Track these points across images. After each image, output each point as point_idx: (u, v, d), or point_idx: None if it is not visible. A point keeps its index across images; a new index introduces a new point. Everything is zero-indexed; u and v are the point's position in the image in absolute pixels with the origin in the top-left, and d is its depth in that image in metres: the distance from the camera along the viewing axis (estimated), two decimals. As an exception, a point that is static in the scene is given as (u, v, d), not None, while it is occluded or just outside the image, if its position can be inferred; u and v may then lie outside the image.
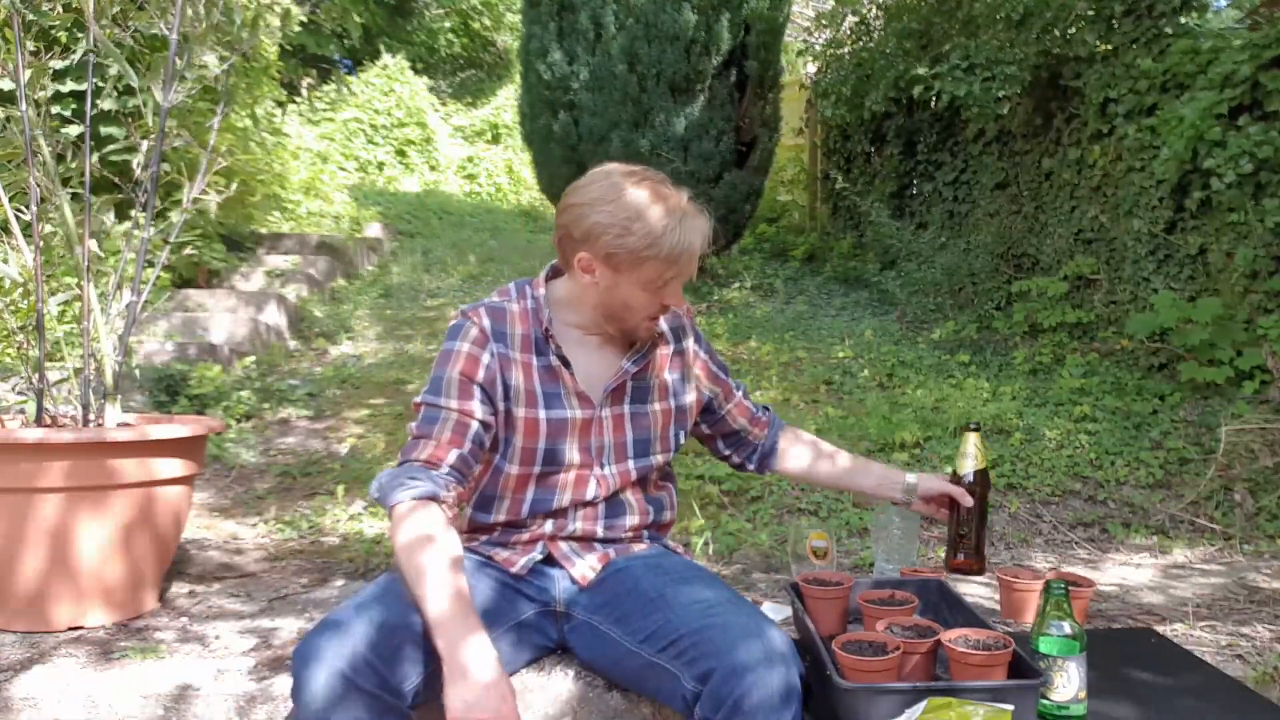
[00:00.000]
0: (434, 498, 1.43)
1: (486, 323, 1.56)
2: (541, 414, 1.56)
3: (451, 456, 1.49)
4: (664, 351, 1.68)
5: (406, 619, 1.35)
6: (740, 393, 1.83)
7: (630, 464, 1.63)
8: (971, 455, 1.83)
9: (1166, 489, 3.28)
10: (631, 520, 1.65)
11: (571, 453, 1.59)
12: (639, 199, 1.47)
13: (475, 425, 1.52)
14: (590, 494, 1.60)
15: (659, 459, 1.67)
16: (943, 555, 2.69)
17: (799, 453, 1.88)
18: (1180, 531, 2.99)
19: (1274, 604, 2.18)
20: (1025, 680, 1.34)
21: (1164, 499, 3.20)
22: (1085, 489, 3.28)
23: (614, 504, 1.64)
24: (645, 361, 1.65)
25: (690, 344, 1.74)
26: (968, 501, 1.79)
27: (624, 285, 1.52)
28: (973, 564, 1.82)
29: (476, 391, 1.52)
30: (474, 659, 1.27)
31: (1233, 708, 1.48)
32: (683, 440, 1.73)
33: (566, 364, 1.58)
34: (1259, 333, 3.81)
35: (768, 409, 1.90)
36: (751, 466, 1.88)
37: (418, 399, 1.56)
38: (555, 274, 1.66)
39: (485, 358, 1.54)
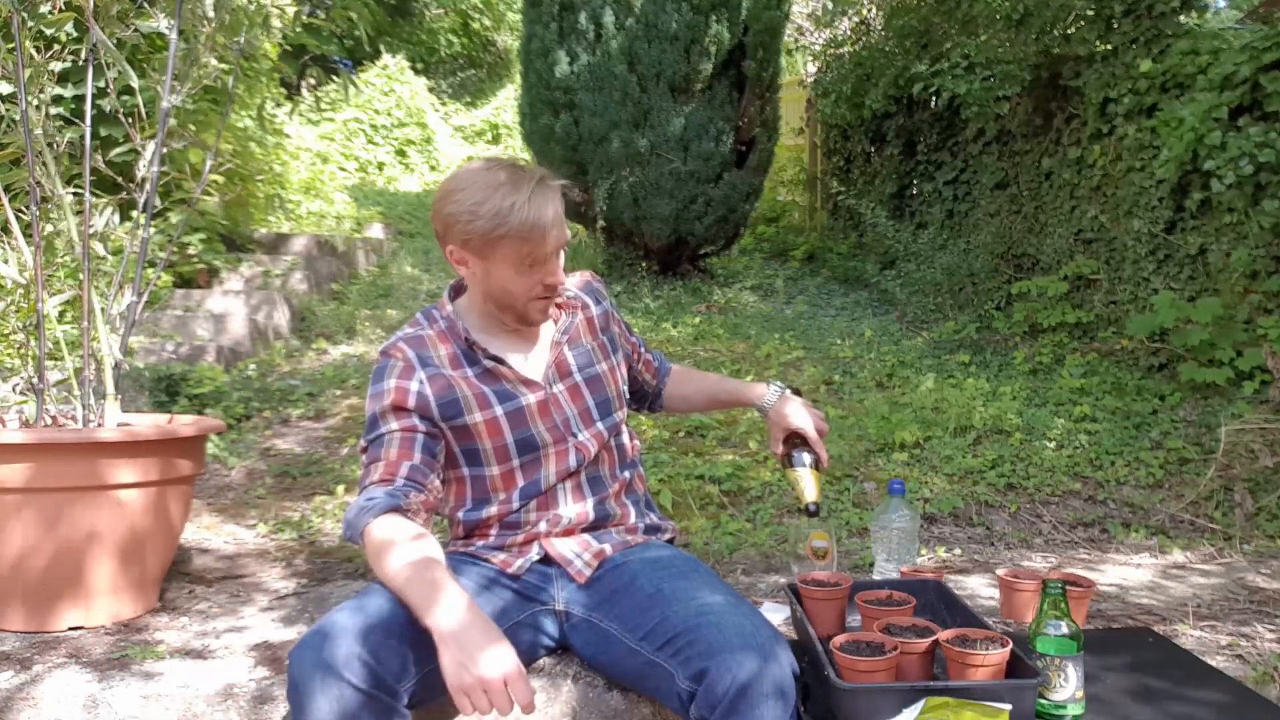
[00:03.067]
0: (395, 509, 1.45)
1: (410, 353, 1.59)
2: (498, 410, 1.59)
3: (404, 469, 1.51)
4: (589, 314, 1.74)
5: (401, 619, 1.35)
6: (643, 348, 1.92)
7: (599, 425, 1.67)
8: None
9: (1166, 489, 3.28)
10: (614, 489, 1.68)
11: (541, 434, 1.62)
12: (486, 183, 1.51)
13: (421, 437, 1.54)
14: (573, 463, 1.63)
15: (619, 415, 1.73)
16: (943, 554, 2.68)
17: (678, 392, 1.97)
18: (1180, 531, 2.99)
19: (1274, 604, 2.18)
20: (1023, 680, 1.34)
21: (1164, 499, 3.20)
22: (1085, 489, 3.28)
23: (596, 480, 1.67)
24: (573, 327, 1.70)
25: (607, 304, 1.80)
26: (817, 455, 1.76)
27: (494, 269, 1.55)
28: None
29: (413, 415, 1.55)
30: (464, 623, 1.27)
31: (1232, 708, 1.48)
32: (626, 394, 1.80)
33: (500, 361, 1.61)
34: (1259, 333, 3.81)
35: (656, 353, 1.99)
36: (644, 411, 2.00)
37: (360, 442, 1.59)
38: (458, 292, 1.71)
39: (414, 386, 1.56)
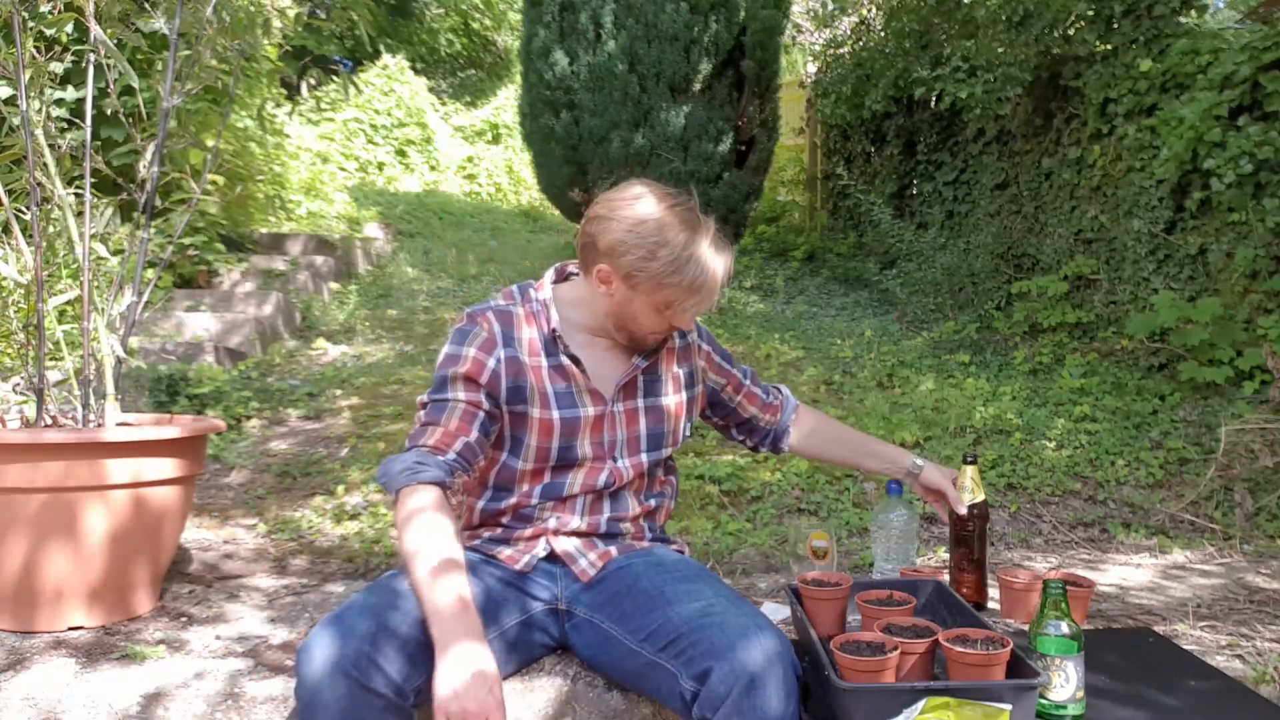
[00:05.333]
0: (438, 483, 1.44)
1: (497, 328, 1.58)
2: (555, 414, 1.58)
3: (458, 444, 1.50)
4: (671, 345, 1.71)
5: (409, 617, 1.35)
6: (749, 381, 1.87)
7: (643, 456, 1.66)
8: (969, 489, 1.86)
9: (1166, 489, 3.28)
10: (633, 513, 1.67)
11: (585, 448, 1.61)
12: (669, 225, 1.49)
13: (482, 415, 1.53)
14: (601, 482, 1.62)
15: (668, 451, 1.70)
16: (943, 554, 2.68)
17: (809, 436, 1.93)
18: (1180, 531, 2.99)
19: (1274, 604, 2.18)
20: (1023, 680, 1.34)
21: (1164, 499, 3.20)
22: (1085, 489, 3.28)
23: (618, 499, 1.66)
24: (655, 355, 1.67)
25: (694, 337, 1.76)
26: (961, 509, 1.83)
27: (637, 303, 1.54)
28: (973, 599, 1.87)
29: (481, 390, 1.54)
30: (464, 648, 1.27)
31: (1232, 708, 1.48)
32: (689, 433, 1.76)
33: (577, 362, 1.59)
34: (1259, 333, 3.81)
35: (780, 389, 1.93)
36: (765, 449, 1.94)
37: (422, 397, 1.58)
38: (560, 277, 1.68)
39: (491, 362, 1.55)
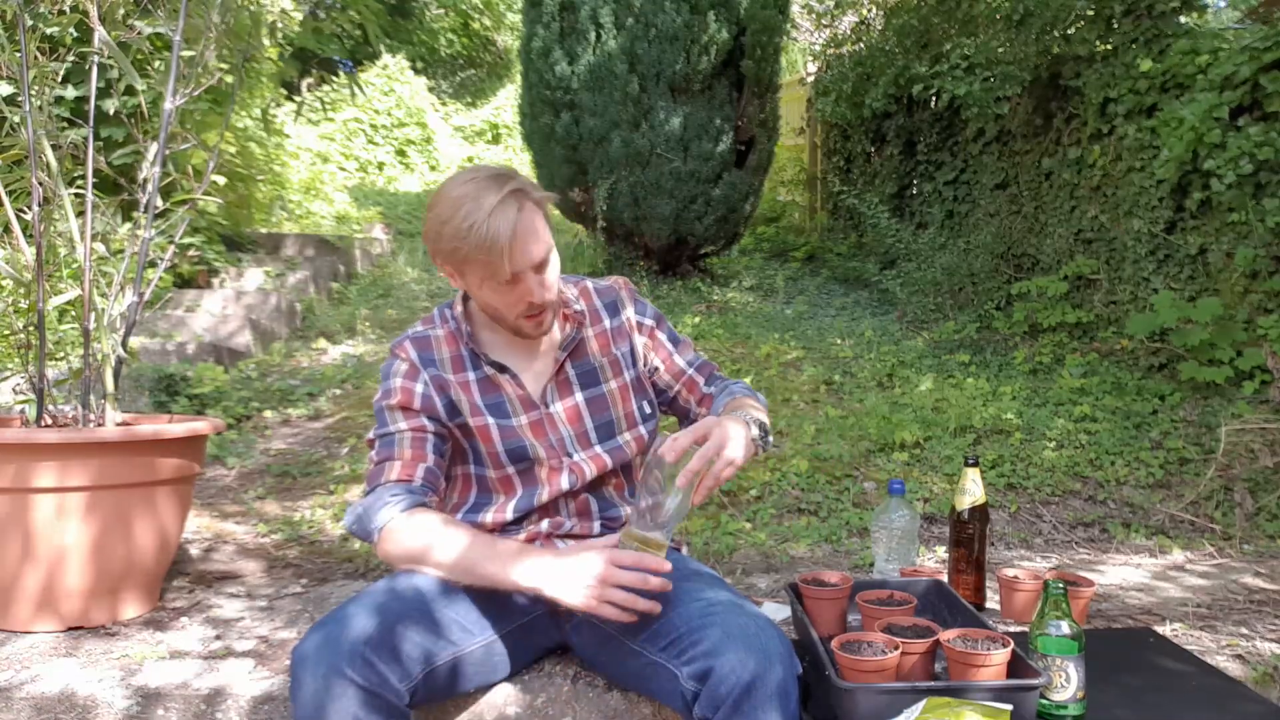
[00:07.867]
0: (421, 505, 1.46)
1: (414, 354, 1.59)
2: (490, 420, 1.58)
3: (420, 471, 1.52)
4: (599, 329, 1.67)
5: (406, 618, 1.36)
6: (693, 370, 1.73)
7: (598, 449, 1.63)
8: (969, 491, 1.85)
9: (1166, 489, 3.28)
10: (625, 511, 1.67)
11: (535, 448, 1.60)
12: (453, 199, 1.44)
13: (431, 437, 1.55)
14: (566, 483, 1.60)
15: (627, 437, 1.65)
16: (944, 554, 2.69)
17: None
18: (1180, 531, 2.99)
19: (1274, 604, 2.19)
20: (1024, 680, 1.34)
21: (1164, 499, 3.20)
22: (1085, 489, 3.28)
23: (603, 500, 1.65)
24: (578, 343, 1.64)
25: (630, 314, 1.70)
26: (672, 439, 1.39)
27: (472, 286, 1.52)
28: (972, 601, 1.87)
29: (420, 415, 1.56)
30: (539, 563, 1.39)
31: (1232, 708, 1.48)
32: (649, 410, 1.69)
33: (502, 369, 1.59)
34: (1259, 333, 3.81)
35: (720, 381, 1.74)
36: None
37: (369, 435, 1.59)
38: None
39: (419, 387, 1.56)
